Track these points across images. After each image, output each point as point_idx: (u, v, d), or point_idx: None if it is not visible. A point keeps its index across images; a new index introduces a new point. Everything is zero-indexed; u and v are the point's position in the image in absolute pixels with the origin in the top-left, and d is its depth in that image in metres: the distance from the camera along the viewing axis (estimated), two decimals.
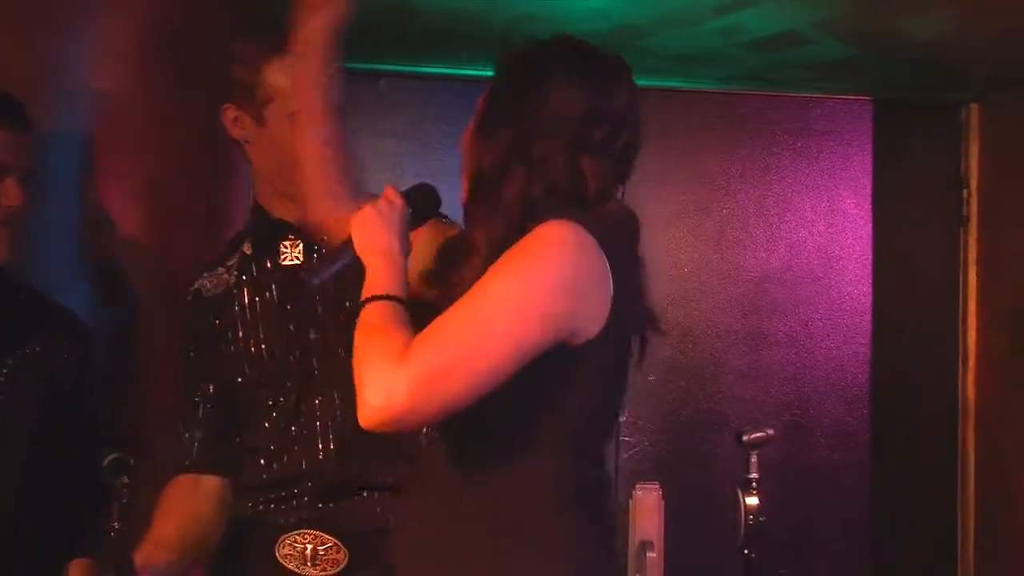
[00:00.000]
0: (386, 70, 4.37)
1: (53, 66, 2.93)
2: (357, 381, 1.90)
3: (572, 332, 1.94)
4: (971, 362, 4.73)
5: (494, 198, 2.06)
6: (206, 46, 3.38)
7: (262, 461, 2.51)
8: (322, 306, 2.52)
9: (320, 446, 2.46)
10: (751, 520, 3.08)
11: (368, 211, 2.14)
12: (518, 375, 1.91)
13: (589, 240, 1.95)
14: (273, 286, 2.58)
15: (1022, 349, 4.51)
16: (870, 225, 4.59)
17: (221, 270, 2.65)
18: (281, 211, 2.59)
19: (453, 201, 4.27)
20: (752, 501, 3.10)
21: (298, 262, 2.58)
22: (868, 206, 4.69)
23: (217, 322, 2.58)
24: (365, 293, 2.06)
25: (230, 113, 2.57)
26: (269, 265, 2.60)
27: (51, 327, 2.56)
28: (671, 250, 4.47)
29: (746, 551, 3.08)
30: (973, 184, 4.79)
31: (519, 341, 1.90)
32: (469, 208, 2.15)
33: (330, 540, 2.46)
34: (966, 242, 4.76)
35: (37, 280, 2.65)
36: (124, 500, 2.42)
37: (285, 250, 2.59)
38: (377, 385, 1.87)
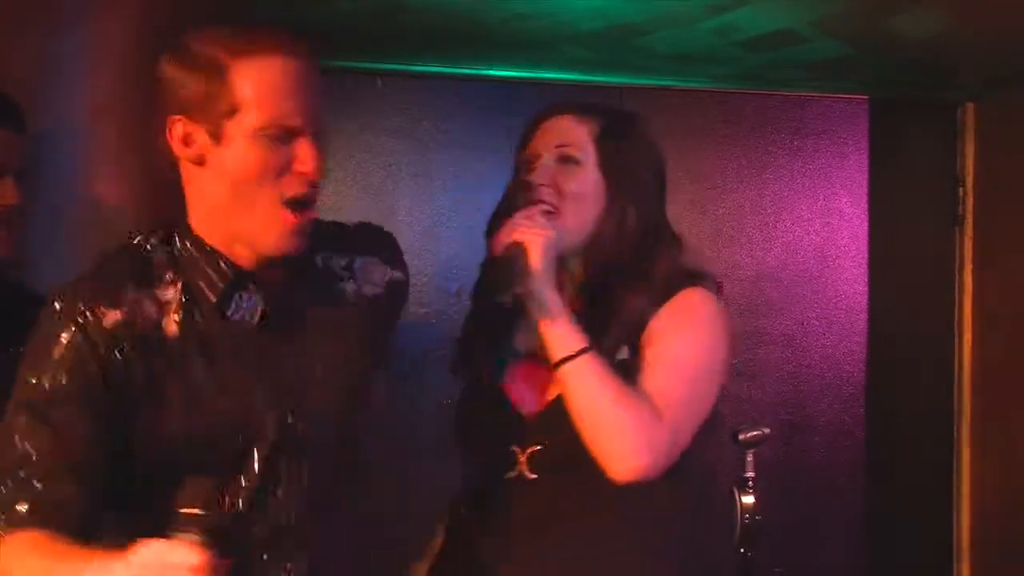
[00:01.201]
0: (383, 69, 4.38)
1: (52, 66, 2.95)
2: (608, 435, 2.18)
3: None
4: (967, 361, 4.75)
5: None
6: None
7: None
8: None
9: None
10: (747, 519, 3.10)
11: (549, 234, 2.27)
12: None
13: (723, 311, 2.37)
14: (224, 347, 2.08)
15: (1018, 348, 4.53)
16: (866, 224, 4.61)
17: (146, 301, 2.06)
18: (229, 252, 2.07)
19: (445, 198, 4.38)
20: (748, 500, 3.12)
21: (257, 319, 2.09)
22: (864, 205, 4.71)
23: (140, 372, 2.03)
24: (565, 346, 2.25)
25: (179, 127, 2.02)
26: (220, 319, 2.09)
27: None
28: None
29: (742, 550, 3.10)
30: (969, 183, 4.81)
31: (714, 396, 2.29)
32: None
33: None
34: (962, 241, 4.79)
35: (33, 279, 2.66)
36: None
37: (239, 303, 2.09)
38: (643, 442, 2.18)
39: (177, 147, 2.04)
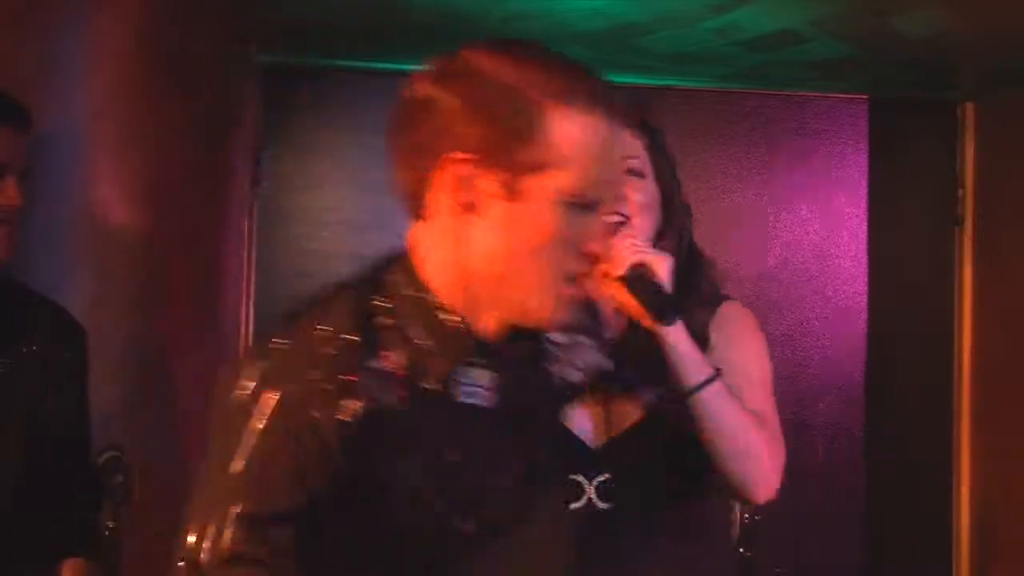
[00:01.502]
0: (383, 68, 4.40)
1: (52, 66, 2.96)
2: (748, 459, 2.23)
3: None
4: (966, 361, 4.77)
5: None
6: (203, 49, 3.42)
7: None
8: None
9: None
10: (747, 519, 3.12)
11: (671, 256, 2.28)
12: None
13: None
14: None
15: (1018, 348, 4.54)
16: (865, 224, 4.63)
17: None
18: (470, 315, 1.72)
19: None
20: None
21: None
22: (863, 205, 4.74)
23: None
24: (698, 372, 2.25)
25: (458, 169, 1.61)
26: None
27: (48, 327, 2.57)
28: None
29: (742, 550, 3.12)
30: (969, 183, 4.84)
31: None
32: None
33: None
34: (961, 241, 4.82)
35: (34, 279, 2.67)
36: (119, 499, 2.44)
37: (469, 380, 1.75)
38: (777, 462, 2.26)
39: (448, 189, 1.63)
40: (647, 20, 4.03)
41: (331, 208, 4.51)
